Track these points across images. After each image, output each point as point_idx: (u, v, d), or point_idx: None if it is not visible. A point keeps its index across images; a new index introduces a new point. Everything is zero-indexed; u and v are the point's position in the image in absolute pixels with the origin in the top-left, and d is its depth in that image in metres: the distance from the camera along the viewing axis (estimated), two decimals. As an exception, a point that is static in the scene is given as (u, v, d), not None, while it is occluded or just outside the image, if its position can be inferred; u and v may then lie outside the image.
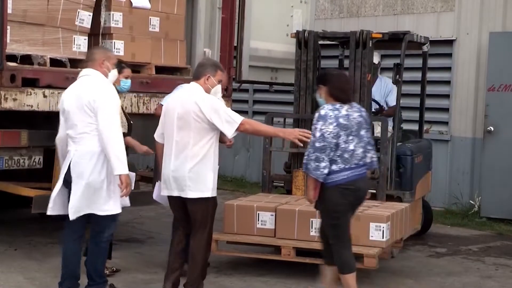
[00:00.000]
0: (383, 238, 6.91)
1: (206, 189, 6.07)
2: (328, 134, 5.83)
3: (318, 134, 5.86)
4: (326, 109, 5.92)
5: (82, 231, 6.23)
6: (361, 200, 6.13)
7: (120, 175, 5.92)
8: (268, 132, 6.49)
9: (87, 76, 6.13)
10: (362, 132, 6.02)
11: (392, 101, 8.86)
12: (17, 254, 7.73)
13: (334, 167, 5.87)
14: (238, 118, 6.02)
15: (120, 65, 6.73)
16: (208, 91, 6.15)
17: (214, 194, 6.17)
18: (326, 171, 5.83)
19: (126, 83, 6.95)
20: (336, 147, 5.86)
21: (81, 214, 6.05)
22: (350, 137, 5.91)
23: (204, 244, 6.21)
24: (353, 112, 5.99)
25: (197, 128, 6.01)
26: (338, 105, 5.94)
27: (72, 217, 6.03)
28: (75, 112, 6.02)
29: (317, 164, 5.81)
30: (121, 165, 5.91)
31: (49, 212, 6.22)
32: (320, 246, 6.37)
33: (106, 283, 6.31)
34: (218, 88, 6.26)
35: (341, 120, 5.88)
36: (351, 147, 5.91)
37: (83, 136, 6.00)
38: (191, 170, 6.01)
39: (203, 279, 6.47)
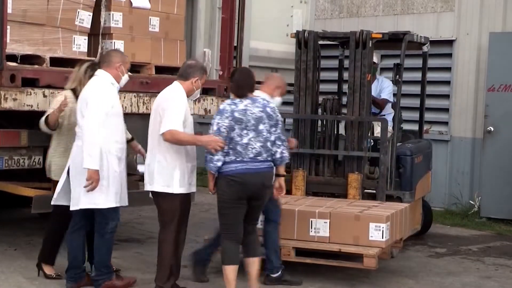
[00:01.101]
0: (382, 238, 6.91)
1: (171, 185, 6.23)
2: (224, 128, 6.06)
3: (215, 128, 6.11)
4: (225, 104, 6.21)
5: (83, 222, 6.46)
6: (252, 194, 6.15)
7: (87, 169, 6.15)
8: (189, 142, 6.29)
9: (95, 77, 6.41)
10: (261, 127, 6.15)
11: (385, 94, 8.95)
12: (17, 254, 7.73)
13: (226, 158, 6.07)
14: (168, 126, 6.07)
15: None
16: (191, 92, 6.38)
17: (182, 191, 6.30)
18: (219, 163, 6.05)
19: None
20: (230, 140, 6.06)
21: (80, 207, 6.30)
22: (245, 131, 6.09)
23: (170, 240, 6.31)
24: (253, 108, 6.16)
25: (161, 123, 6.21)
26: (237, 100, 6.18)
27: (72, 208, 6.33)
28: (78, 109, 6.35)
29: (211, 156, 6.06)
30: (89, 160, 6.13)
31: (53, 202, 6.51)
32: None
33: (113, 274, 6.47)
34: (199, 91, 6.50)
35: (236, 114, 6.09)
36: (245, 140, 6.09)
37: (82, 133, 6.26)
38: (159, 164, 6.23)
39: (176, 279, 6.48)
